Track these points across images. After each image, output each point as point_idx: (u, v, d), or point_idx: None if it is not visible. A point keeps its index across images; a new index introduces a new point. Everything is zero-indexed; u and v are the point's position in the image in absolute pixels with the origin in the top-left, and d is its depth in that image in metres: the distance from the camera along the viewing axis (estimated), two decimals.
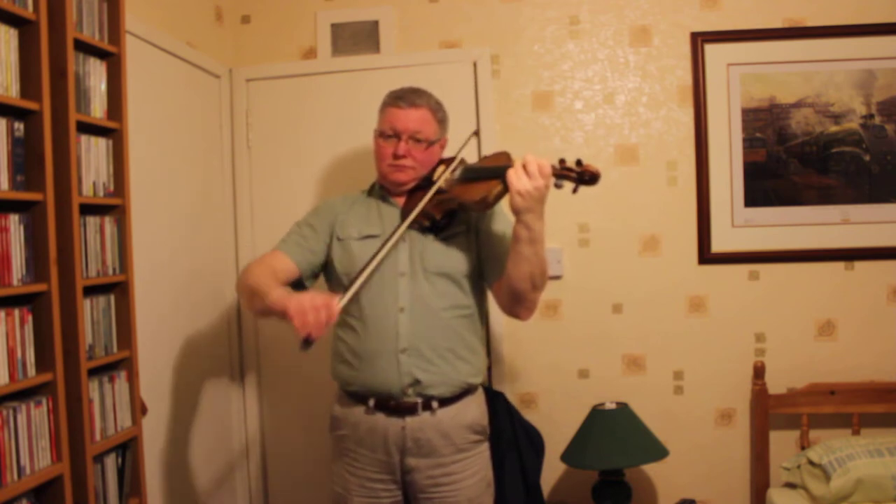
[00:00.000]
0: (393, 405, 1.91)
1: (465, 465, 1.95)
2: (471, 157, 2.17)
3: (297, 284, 2.00)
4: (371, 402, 1.93)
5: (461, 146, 2.08)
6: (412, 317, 1.90)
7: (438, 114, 2.05)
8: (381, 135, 2.02)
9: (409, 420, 1.91)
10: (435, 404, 1.91)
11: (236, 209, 2.89)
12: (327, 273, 2.05)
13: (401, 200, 2.04)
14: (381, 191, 2.07)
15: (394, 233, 1.88)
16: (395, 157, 1.98)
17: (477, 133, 2.04)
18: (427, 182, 2.01)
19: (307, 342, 1.65)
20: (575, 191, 1.77)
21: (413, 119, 1.98)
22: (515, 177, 1.74)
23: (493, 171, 1.85)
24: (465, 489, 1.94)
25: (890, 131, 2.65)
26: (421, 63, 2.77)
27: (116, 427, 1.84)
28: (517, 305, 1.91)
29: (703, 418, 2.73)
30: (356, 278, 1.82)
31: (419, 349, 1.90)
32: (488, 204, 1.87)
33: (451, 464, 1.93)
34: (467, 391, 1.97)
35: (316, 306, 1.64)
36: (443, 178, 1.92)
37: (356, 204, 2.09)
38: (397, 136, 1.98)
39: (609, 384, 2.75)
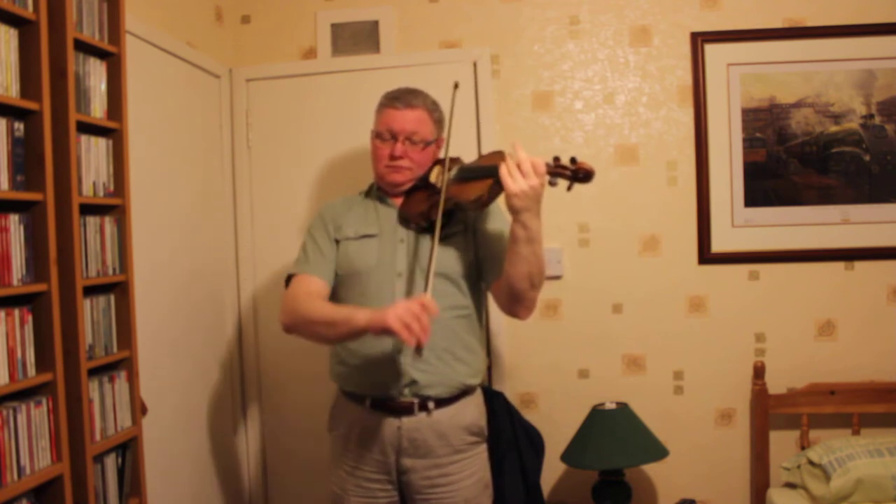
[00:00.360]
0: (389, 405, 1.91)
1: (461, 466, 1.94)
2: (469, 156, 2.17)
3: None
4: (367, 402, 1.93)
5: (450, 105, 1.98)
6: None
7: (435, 114, 2.04)
8: (377, 136, 2.02)
9: (405, 420, 1.90)
10: (431, 405, 1.91)
11: (236, 209, 2.89)
12: None
13: (398, 201, 2.03)
14: (379, 192, 2.07)
15: (433, 237, 1.82)
16: (392, 158, 1.98)
17: (457, 85, 1.99)
18: (423, 182, 2.01)
19: (419, 349, 1.63)
20: (569, 189, 1.77)
21: (409, 120, 1.98)
22: (510, 178, 1.72)
23: (488, 170, 1.84)
24: (462, 490, 1.93)
25: (890, 131, 2.65)
26: (421, 63, 2.77)
27: (116, 427, 1.84)
28: (516, 305, 1.90)
29: (703, 418, 2.73)
30: (428, 271, 1.76)
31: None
32: (483, 203, 1.87)
33: (447, 465, 1.93)
34: (465, 392, 1.97)
35: (415, 313, 1.60)
36: (445, 181, 1.92)
37: (355, 205, 2.09)
38: (394, 137, 1.98)
39: (609, 384, 2.75)
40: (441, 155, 2.08)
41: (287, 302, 1.93)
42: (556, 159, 1.77)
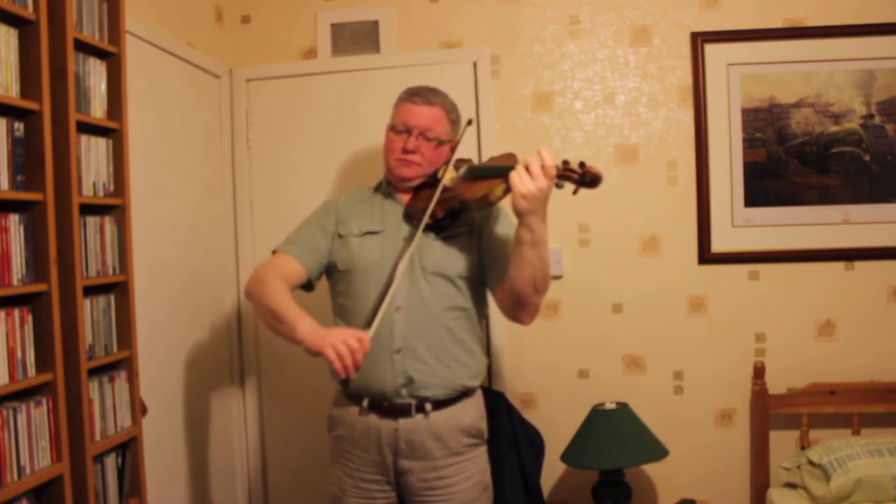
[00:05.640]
0: (386, 406, 1.91)
1: (459, 468, 1.94)
2: (468, 156, 2.18)
3: (306, 285, 2.00)
4: (365, 403, 1.93)
5: (459, 135, 2.09)
6: (408, 316, 1.90)
7: (452, 115, 2.06)
8: (392, 129, 2.03)
9: (402, 422, 1.90)
10: (428, 406, 1.90)
11: (236, 209, 2.88)
12: (328, 269, 2.05)
13: (405, 198, 2.04)
14: (388, 186, 2.08)
15: (411, 239, 1.87)
16: (404, 151, 1.98)
17: (470, 122, 2.07)
18: (433, 180, 2.02)
19: (346, 381, 1.72)
20: (575, 192, 1.77)
21: (426, 116, 1.99)
22: (518, 180, 1.73)
23: (497, 170, 1.85)
24: (459, 493, 1.93)
25: (890, 131, 2.65)
26: (421, 63, 2.77)
27: (116, 427, 1.84)
28: (520, 310, 1.90)
29: (703, 418, 2.73)
30: (380, 302, 1.81)
31: (414, 349, 1.89)
32: (489, 203, 1.87)
33: (444, 467, 1.92)
34: (464, 394, 1.97)
35: (351, 348, 1.66)
36: (448, 175, 1.93)
37: (361, 201, 2.09)
38: (408, 131, 1.99)
39: (609, 384, 2.75)
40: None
41: (258, 271, 1.96)
42: (566, 162, 1.78)
